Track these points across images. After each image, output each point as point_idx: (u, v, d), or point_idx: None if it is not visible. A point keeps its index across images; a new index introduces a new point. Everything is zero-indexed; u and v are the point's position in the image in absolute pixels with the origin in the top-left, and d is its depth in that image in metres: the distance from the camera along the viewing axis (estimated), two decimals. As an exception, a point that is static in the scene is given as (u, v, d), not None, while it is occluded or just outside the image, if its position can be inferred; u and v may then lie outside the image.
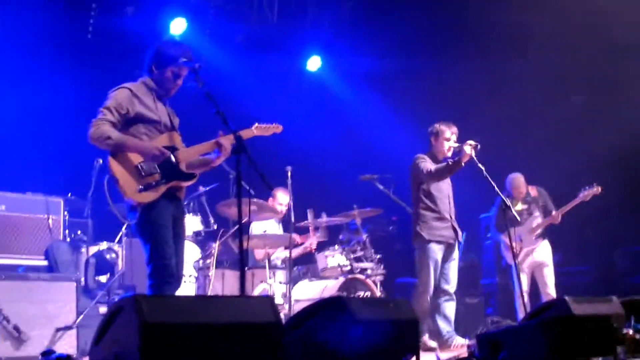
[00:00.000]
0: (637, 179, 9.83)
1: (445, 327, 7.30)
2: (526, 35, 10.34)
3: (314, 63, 12.06)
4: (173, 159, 5.05)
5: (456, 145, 7.23)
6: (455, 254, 7.50)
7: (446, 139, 7.40)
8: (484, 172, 6.76)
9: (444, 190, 7.47)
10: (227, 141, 5.17)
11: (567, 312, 4.72)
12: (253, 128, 5.58)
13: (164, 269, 4.90)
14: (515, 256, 7.58)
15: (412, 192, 7.62)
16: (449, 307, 7.38)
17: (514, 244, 8.53)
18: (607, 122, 9.98)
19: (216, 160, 5.31)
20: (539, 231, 8.59)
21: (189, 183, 5.24)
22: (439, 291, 7.39)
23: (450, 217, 7.46)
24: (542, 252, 8.61)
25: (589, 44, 9.97)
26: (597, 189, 8.34)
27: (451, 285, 7.41)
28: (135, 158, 4.92)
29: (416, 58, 11.29)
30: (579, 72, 10.46)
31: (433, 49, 11.13)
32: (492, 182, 6.72)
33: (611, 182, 9.64)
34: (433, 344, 7.19)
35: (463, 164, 7.03)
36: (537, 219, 8.62)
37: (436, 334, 7.31)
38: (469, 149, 6.92)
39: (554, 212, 8.52)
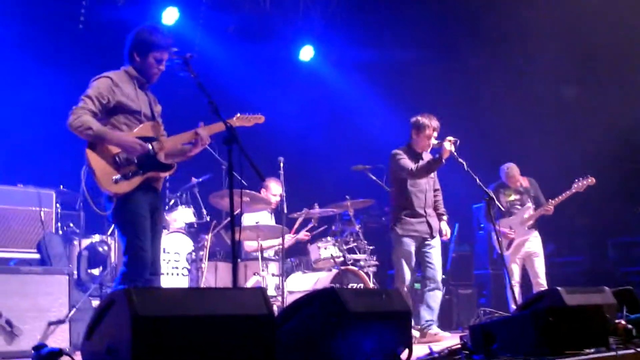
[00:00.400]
0: (629, 170, 9.85)
1: (426, 315, 7.29)
2: (521, 27, 10.33)
3: (306, 53, 12.04)
4: (151, 149, 5.04)
5: (436, 142, 7.27)
6: (434, 242, 7.49)
7: (427, 136, 7.40)
8: (465, 166, 6.77)
9: (421, 184, 7.49)
10: (206, 132, 5.22)
11: (560, 303, 4.73)
12: (235, 118, 5.58)
13: (140, 260, 4.89)
14: (503, 247, 7.59)
15: (390, 186, 7.70)
16: (433, 296, 7.37)
17: (500, 236, 8.55)
18: (599, 114, 9.98)
19: (192, 150, 5.33)
20: (531, 222, 8.59)
21: (167, 174, 5.26)
22: (425, 280, 7.43)
23: (425, 212, 7.46)
24: (533, 243, 8.62)
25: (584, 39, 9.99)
26: (591, 180, 8.36)
27: (436, 272, 7.41)
28: (113, 149, 4.91)
29: (409, 48, 11.30)
30: (572, 65, 10.46)
31: (426, 39, 11.13)
32: (475, 176, 6.71)
33: (603, 173, 9.66)
34: (416, 333, 7.20)
35: (444, 161, 7.09)
36: (530, 210, 8.63)
37: (416, 322, 7.34)
38: (448, 145, 6.95)
39: (547, 203, 8.53)
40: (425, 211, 7.46)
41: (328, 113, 11.90)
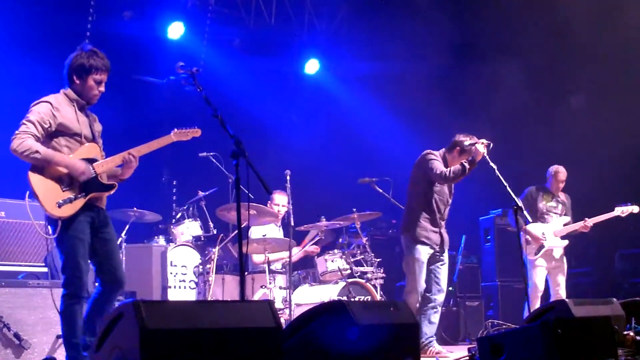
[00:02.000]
0: (637, 181, 9.83)
1: (427, 331, 7.20)
2: (523, 38, 10.35)
3: (312, 66, 12.07)
4: (93, 171, 5.12)
5: (468, 143, 7.10)
6: (444, 257, 7.39)
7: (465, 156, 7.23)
8: (496, 171, 6.68)
9: (444, 194, 7.39)
10: (136, 153, 5.31)
11: (568, 314, 4.72)
12: (172, 134, 5.64)
13: (78, 281, 5.01)
14: (527, 252, 7.50)
15: (411, 185, 7.49)
16: (436, 314, 7.30)
17: (527, 242, 8.48)
18: (609, 124, 9.96)
19: (125, 173, 5.39)
20: (564, 233, 8.50)
21: (109, 193, 5.32)
22: (428, 297, 7.30)
23: (440, 224, 7.35)
24: (560, 254, 8.53)
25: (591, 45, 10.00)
26: (635, 208, 8.38)
27: (442, 291, 7.35)
28: (56, 172, 4.99)
29: (413, 61, 11.31)
30: (579, 73, 10.46)
31: (431, 51, 11.14)
32: (505, 182, 6.65)
33: (612, 185, 9.65)
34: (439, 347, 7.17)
35: (476, 163, 6.97)
36: (565, 220, 8.55)
37: None
38: (481, 147, 6.84)
39: (586, 220, 8.44)
40: (440, 223, 7.35)
41: (334, 126, 11.92)
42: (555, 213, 8.59)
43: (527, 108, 10.67)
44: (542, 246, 8.38)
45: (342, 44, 12.08)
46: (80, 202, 5.03)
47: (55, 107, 5.08)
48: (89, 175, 5.07)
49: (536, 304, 7.68)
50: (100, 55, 5.27)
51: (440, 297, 7.32)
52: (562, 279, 8.48)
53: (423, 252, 7.24)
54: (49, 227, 5.06)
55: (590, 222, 8.45)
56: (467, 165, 6.99)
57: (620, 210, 8.40)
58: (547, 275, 8.47)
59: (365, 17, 12.07)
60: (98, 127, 5.42)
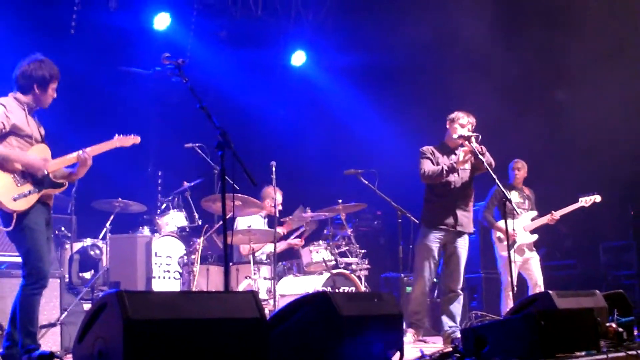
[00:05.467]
0: (620, 175, 9.88)
1: (447, 321, 7.23)
2: (510, 30, 10.37)
3: (298, 58, 12.04)
4: (45, 170, 5.34)
5: (456, 136, 7.10)
6: (459, 244, 7.30)
7: (461, 125, 7.22)
8: (485, 164, 6.75)
9: (456, 178, 7.29)
10: (89, 153, 5.53)
11: (551, 306, 4.75)
12: (115, 139, 5.88)
13: (40, 271, 5.20)
14: (509, 247, 7.56)
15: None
16: (453, 305, 7.26)
17: (497, 241, 8.60)
18: (588, 118, 10.00)
19: (78, 172, 5.60)
20: (533, 227, 8.63)
21: (59, 191, 5.52)
22: (446, 286, 7.33)
23: (455, 207, 7.24)
24: (532, 247, 8.65)
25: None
26: (597, 197, 8.53)
27: (454, 281, 7.29)
28: (11, 168, 5.18)
29: (400, 53, 11.30)
30: (563, 67, 10.49)
31: (417, 44, 11.13)
32: (493, 174, 6.69)
33: (594, 178, 9.70)
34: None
35: (457, 166, 7.02)
36: (532, 215, 8.67)
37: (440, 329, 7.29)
38: (469, 144, 6.89)
39: (553, 213, 8.56)
40: (454, 205, 7.27)
41: (320, 118, 11.90)
42: (523, 209, 8.71)
43: (514, 105, 10.66)
44: (514, 242, 8.47)
45: (329, 36, 12.05)
46: (34, 198, 5.24)
47: (9, 110, 5.28)
48: (44, 171, 5.31)
49: (509, 300, 7.72)
50: (53, 65, 5.50)
51: (451, 284, 7.27)
52: (538, 271, 8.57)
53: (430, 237, 7.24)
54: (2, 220, 5.24)
55: (557, 214, 8.61)
56: (445, 168, 7.06)
57: (584, 200, 8.58)
58: (520, 270, 8.57)
59: (352, 9, 12.04)
60: (42, 131, 5.58)
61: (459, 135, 7.08)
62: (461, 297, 7.34)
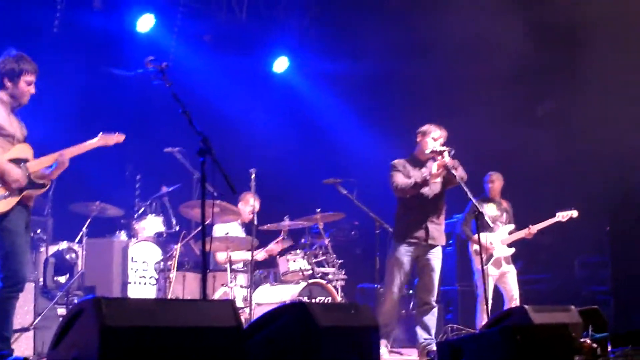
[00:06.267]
0: (595, 190, 9.95)
1: (421, 333, 7.22)
2: (493, 39, 10.40)
3: (281, 64, 12.03)
4: (26, 172, 5.31)
5: (429, 151, 7.09)
6: (432, 255, 7.29)
7: (433, 139, 7.24)
8: (457, 178, 6.80)
9: (424, 192, 7.30)
10: (67, 155, 5.53)
11: (527, 321, 4.77)
12: (98, 137, 5.88)
13: (18, 275, 5.19)
14: (483, 261, 7.60)
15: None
16: (426, 316, 7.24)
17: (483, 250, 8.61)
18: (568, 132, 10.07)
19: (54, 173, 5.57)
20: (510, 241, 8.67)
21: (40, 192, 5.51)
22: (419, 298, 7.33)
23: (425, 220, 7.25)
24: (509, 260, 8.69)
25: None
26: (574, 213, 8.61)
27: (427, 293, 7.27)
28: None
29: (383, 61, 11.32)
30: (545, 78, 10.56)
31: (400, 52, 11.16)
32: (465, 188, 6.73)
33: (571, 192, 9.77)
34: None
35: (430, 181, 7.03)
36: (512, 229, 8.72)
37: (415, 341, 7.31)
38: (442, 159, 6.89)
39: (530, 227, 8.62)
40: (425, 218, 7.27)
41: (301, 125, 11.90)
42: (500, 222, 8.77)
43: (497, 115, 10.70)
44: (491, 255, 8.52)
45: (312, 43, 12.07)
46: (14, 199, 5.22)
47: None
48: (23, 183, 5.26)
49: (485, 313, 7.76)
50: (29, 59, 5.47)
51: (425, 297, 7.25)
52: (514, 285, 8.62)
53: (401, 251, 7.25)
54: None
55: (534, 228, 8.69)
56: (418, 181, 7.08)
57: (561, 215, 8.66)
58: (497, 283, 8.62)
59: (336, 17, 12.07)
60: (24, 131, 5.55)
61: (431, 150, 7.08)
62: (435, 310, 7.32)
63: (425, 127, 7.37)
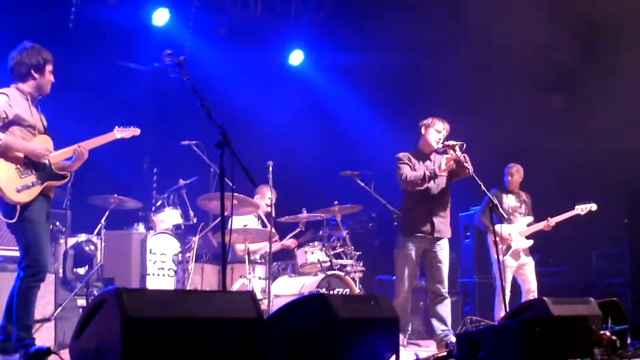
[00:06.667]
0: (615, 183, 9.89)
1: (437, 325, 7.23)
2: (511, 34, 10.35)
3: (296, 57, 12.02)
4: (47, 161, 5.41)
5: (441, 145, 7.11)
6: (438, 247, 7.30)
7: (437, 131, 7.28)
8: (471, 171, 6.79)
9: (428, 186, 7.31)
10: (87, 146, 5.61)
11: (546, 313, 4.76)
12: (115, 131, 5.94)
13: (40, 264, 5.26)
14: (500, 252, 7.57)
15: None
16: (439, 307, 7.25)
17: (499, 240, 8.57)
18: (586, 127, 10.01)
19: (74, 164, 5.64)
20: (529, 233, 8.64)
21: (61, 183, 5.58)
22: (431, 293, 7.33)
23: (431, 213, 7.27)
24: (527, 252, 8.67)
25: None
26: (593, 206, 8.59)
27: (438, 285, 7.26)
28: (14, 159, 5.23)
29: (399, 54, 11.29)
30: (559, 70, 10.50)
31: (416, 45, 11.12)
32: (479, 181, 6.72)
33: (589, 185, 9.72)
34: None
35: (440, 173, 7.06)
36: (528, 220, 8.69)
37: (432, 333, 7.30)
38: (454, 153, 6.89)
39: (549, 219, 8.59)
40: (431, 211, 7.29)
41: (317, 118, 11.89)
42: (519, 213, 8.74)
43: (512, 106, 10.66)
44: (509, 246, 8.49)
45: (327, 36, 12.04)
46: (37, 189, 5.29)
47: (11, 99, 5.31)
48: (48, 156, 5.36)
49: (503, 305, 7.75)
50: (44, 49, 5.56)
51: (436, 289, 7.25)
52: (532, 277, 8.59)
53: (408, 245, 7.26)
54: (4, 212, 5.27)
55: (552, 221, 8.64)
56: (427, 174, 7.11)
57: (580, 208, 8.62)
58: (515, 275, 8.59)
59: (351, 9, 12.04)
60: (45, 122, 5.63)
61: (444, 144, 7.09)
62: (448, 300, 7.32)
63: (428, 120, 7.42)
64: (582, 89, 10.27)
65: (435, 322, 7.25)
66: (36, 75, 5.43)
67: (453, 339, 7.02)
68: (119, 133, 5.95)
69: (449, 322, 7.26)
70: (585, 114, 10.08)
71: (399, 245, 7.36)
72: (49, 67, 5.48)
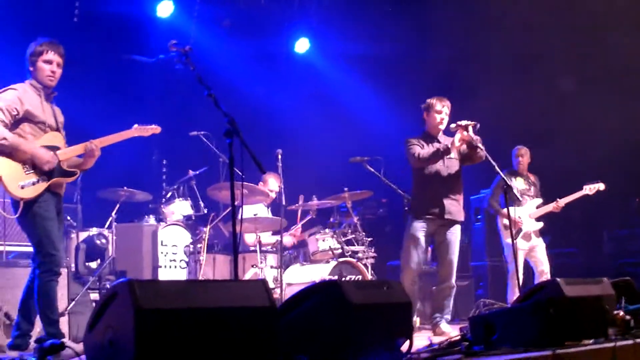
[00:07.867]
0: (625, 163, 9.87)
1: (436, 310, 7.25)
2: (515, 17, 10.32)
3: (302, 45, 12.00)
4: (56, 161, 5.35)
5: (454, 125, 7.01)
6: (449, 232, 7.23)
7: (437, 112, 7.24)
8: (483, 151, 6.75)
9: (438, 169, 7.27)
10: (99, 143, 5.55)
11: (560, 294, 4.73)
12: (133, 129, 5.90)
13: (54, 259, 5.24)
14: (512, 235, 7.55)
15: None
16: (445, 295, 7.22)
17: (503, 228, 8.59)
18: (594, 107, 9.98)
19: (86, 162, 5.59)
20: (538, 215, 8.63)
21: (70, 180, 5.54)
22: (439, 277, 7.31)
23: (441, 195, 7.19)
24: (537, 234, 8.67)
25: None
26: (600, 185, 8.59)
27: (446, 270, 7.22)
28: (21, 156, 5.20)
29: (406, 40, 11.26)
30: (567, 55, 10.46)
31: (421, 32, 11.10)
32: (493, 162, 6.68)
33: (600, 166, 9.69)
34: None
35: (452, 151, 7.01)
36: (538, 202, 8.68)
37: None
38: (466, 133, 6.84)
39: (557, 201, 8.58)
40: (441, 194, 7.22)
41: (325, 105, 11.87)
42: (528, 195, 8.74)
43: (520, 92, 10.62)
44: (520, 229, 8.47)
45: (333, 23, 12.00)
46: (42, 186, 5.25)
47: (21, 95, 5.28)
48: (53, 164, 5.30)
49: (516, 287, 7.74)
50: (52, 41, 5.47)
51: (444, 275, 7.22)
52: (544, 258, 8.59)
53: (417, 227, 7.20)
54: (12, 208, 5.28)
55: (562, 202, 8.66)
56: (440, 149, 7.04)
57: (588, 188, 8.65)
58: (526, 257, 8.58)
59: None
60: (61, 118, 5.61)
61: (456, 125, 7.00)
62: (453, 290, 7.27)
63: (427, 102, 7.37)
64: (590, 71, 10.22)
65: (433, 307, 7.32)
66: (31, 68, 5.40)
67: (444, 327, 7.03)
68: (138, 131, 5.91)
69: (447, 310, 7.23)
70: (593, 93, 10.05)
71: (408, 227, 7.28)
72: (44, 57, 5.38)
